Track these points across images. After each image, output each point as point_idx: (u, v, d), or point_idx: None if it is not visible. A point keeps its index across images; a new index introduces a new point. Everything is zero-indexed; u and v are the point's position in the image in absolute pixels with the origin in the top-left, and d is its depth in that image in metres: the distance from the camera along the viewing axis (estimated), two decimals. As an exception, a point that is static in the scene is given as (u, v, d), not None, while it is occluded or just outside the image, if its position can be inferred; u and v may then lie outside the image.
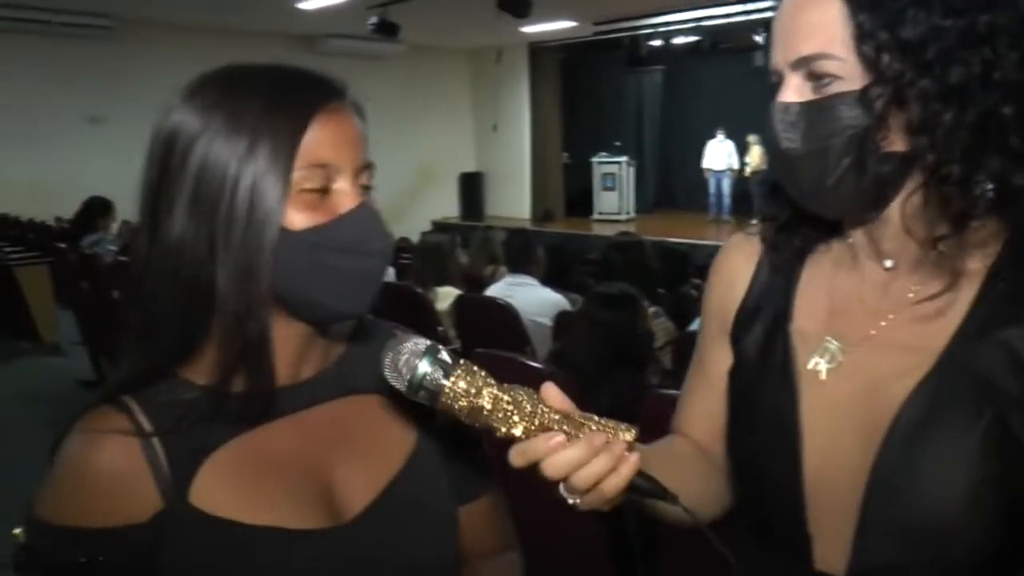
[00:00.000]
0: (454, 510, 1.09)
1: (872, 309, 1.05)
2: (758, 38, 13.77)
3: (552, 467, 0.86)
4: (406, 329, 1.14)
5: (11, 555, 0.90)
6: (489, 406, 0.86)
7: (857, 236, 1.06)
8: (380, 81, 15.55)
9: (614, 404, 2.94)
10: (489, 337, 3.98)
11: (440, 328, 4.65)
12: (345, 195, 0.93)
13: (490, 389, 0.87)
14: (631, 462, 0.88)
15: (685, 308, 5.18)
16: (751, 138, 15.46)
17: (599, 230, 14.95)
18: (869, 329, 1.04)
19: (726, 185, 15.86)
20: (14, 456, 4.92)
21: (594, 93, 18.52)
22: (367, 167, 0.96)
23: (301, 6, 12.56)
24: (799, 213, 1.08)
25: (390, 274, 6.11)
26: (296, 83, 0.94)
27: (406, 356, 0.88)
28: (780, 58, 0.99)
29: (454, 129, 18.25)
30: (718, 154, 15.89)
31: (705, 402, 1.21)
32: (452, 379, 0.87)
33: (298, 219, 0.90)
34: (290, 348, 0.98)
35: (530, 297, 4.59)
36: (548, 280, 5.01)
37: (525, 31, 14.69)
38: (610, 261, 4.61)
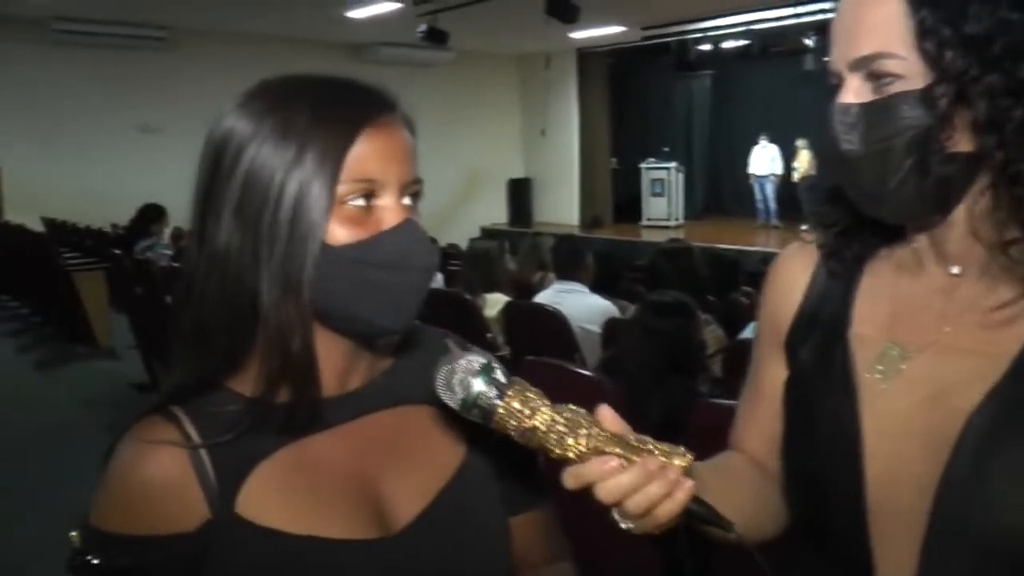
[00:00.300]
0: (505, 522, 1.07)
1: (936, 315, 1.01)
2: (808, 42, 13.64)
3: (606, 491, 0.85)
4: (456, 337, 1.13)
5: (67, 558, 0.91)
6: (543, 428, 0.85)
7: (920, 240, 1.03)
8: (429, 88, 15.66)
9: (664, 413, 2.91)
10: (538, 344, 3.97)
11: (489, 335, 4.64)
12: (389, 211, 0.92)
13: (544, 410, 0.86)
14: (686, 488, 0.86)
15: (735, 315, 5.13)
16: (800, 143, 15.34)
17: (648, 236, 14.89)
18: (933, 335, 1.01)
19: (770, 190, 15.77)
20: (71, 458, 5.02)
21: (642, 98, 18.46)
22: (414, 182, 0.95)
23: (351, 15, 12.66)
24: (859, 218, 1.05)
25: (438, 280, 6.12)
26: (346, 95, 0.93)
27: (460, 374, 0.87)
28: (839, 59, 0.97)
29: (502, 135, 18.31)
30: (761, 159, 15.82)
31: (761, 416, 1.18)
32: (506, 399, 0.85)
33: (341, 234, 0.90)
34: (336, 359, 0.97)
35: (579, 304, 4.57)
36: (597, 287, 4.98)
37: (573, 36, 14.69)
38: (659, 268, 4.57)
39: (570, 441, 0.85)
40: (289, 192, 0.88)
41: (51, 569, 0.94)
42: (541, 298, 4.79)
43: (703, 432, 2.33)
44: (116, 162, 13.65)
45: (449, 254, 9.04)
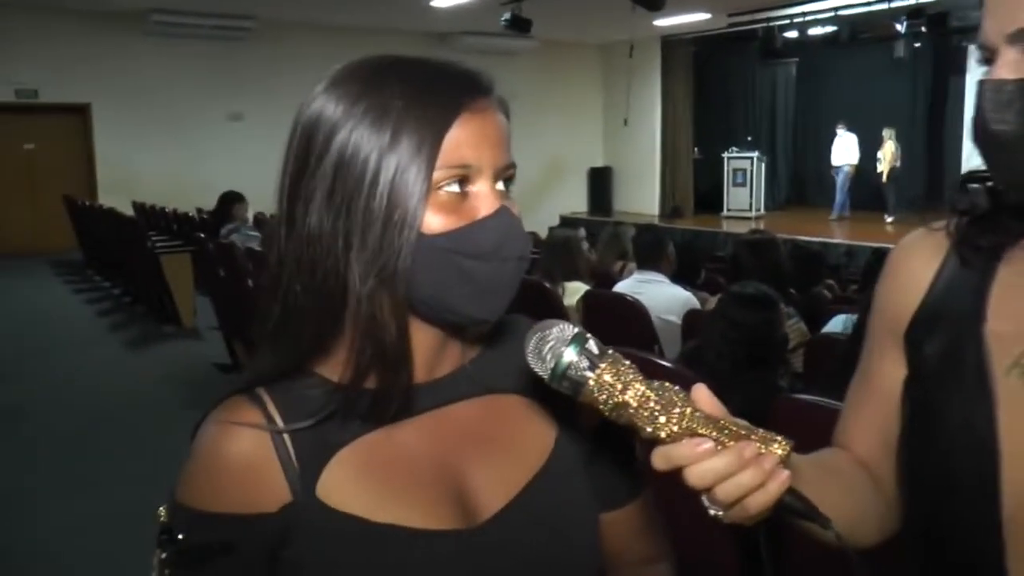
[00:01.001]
0: (595, 516, 1.04)
1: None
2: (899, 27, 13.28)
3: (696, 475, 0.80)
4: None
5: (155, 532, 0.92)
6: (635, 403, 0.81)
7: None
8: (511, 76, 15.46)
9: (744, 407, 2.86)
10: (617, 334, 3.94)
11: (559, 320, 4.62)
12: (484, 197, 0.90)
13: (637, 385, 0.81)
14: (781, 479, 0.81)
15: (817, 309, 5.03)
16: (885, 132, 14.99)
17: (728, 227, 14.73)
18: None
19: (841, 181, 15.62)
20: (156, 432, 5.17)
21: (726, 87, 18.25)
22: (508, 167, 0.93)
23: (435, 3, 12.73)
24: (998, 205, 0.96)
25: (519, 268, 6.12)
26: (442, 78, 0.91)
27: (552, 342, 0.83)
28: (993, 31, 0.88)
29: (584, 123, 18.25)
30: (838, 150, 15.58)
31: (872, 416, 1.10)
32: (598, 371, 0.81)
33: (434, 222, 0.87)
34: (425, 347, 0.96)
35: (659, 294, 4.53)
36: (676, 278, 4.93)
37: (658, 24, 14.55)
38: (741, 260, 4.50)
39: (662, 420, 0.80)
40: (384, 178, 0.86)
41: (130, 534, 0.96)
42: (621, 287, 4.76)
43: (783, 427, 2.29)
44: (203, 149, 14.01)
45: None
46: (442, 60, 0.93)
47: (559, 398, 0.95)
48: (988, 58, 0.90)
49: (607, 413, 0.83)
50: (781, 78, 18.39)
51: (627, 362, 0.83)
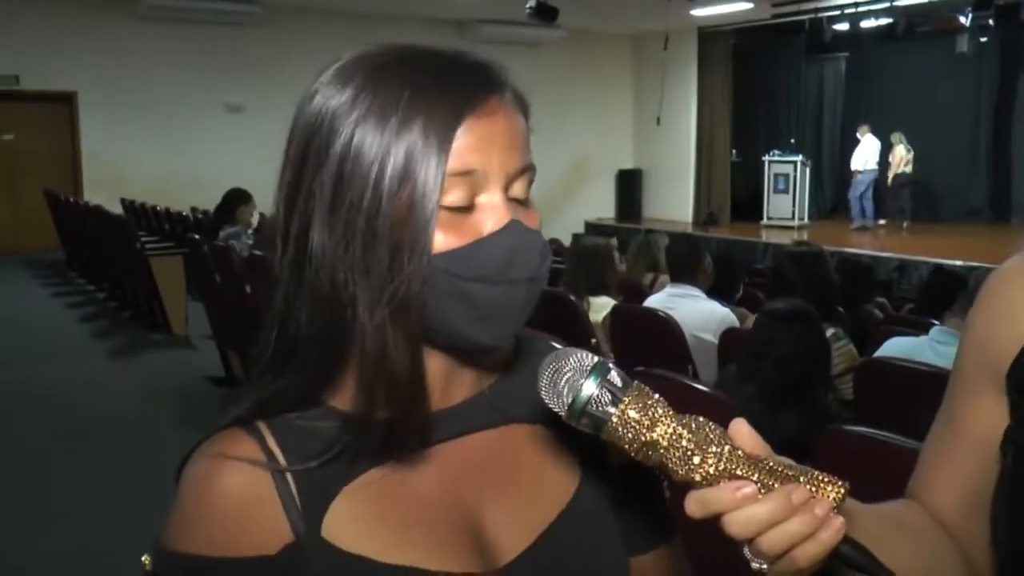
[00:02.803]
0: (625, 561, 1.02)
1: None
2: (963, 19, 13.21)
3: (737, 523, 0.75)
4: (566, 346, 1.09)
5: None
6: (665, 442, 0.77)
7: None
8: (536, 69, 15.68)
9: (787, 439, 2.84)
10: (647, 353, 3.93)
11: (593, 341, 4.61)
12: (492, 210, 0.87)
13: (667, 422, 0.78)
14: (835, 526, 0.76)
15: (867, 330, 5.00)
16: (894, 137, 15.17)
17: (769, 237, 14.68)
18: None
19: (861, 188, 15.89)
20: (143, 453, 5.16)
21: (768, 84, 18.21)
22: (523, 171, 0.90)
23: (453, -12, 12.76)
24: None
25: (539, 279, 6.10)
26: (448, 75, 0.88)
27: (569, 374, 0.80)
28: None
29: (613, 121, 18.25)
30: (860, 154, 15.84)
31: (958, 465, 1.03)
32: (622, 406, 0.78)
33: (437, 240, 0.85)
34: (438, 374, 0.93)
35: (694, 310, 4.51)
36: (713, 292, 4.90)
37: (695, 14, 14.56)
38: (785, 273, 4.47)
39: (696, 460, 0.77)
40: (387, 198, 0.84)
41: (113, 568, 0.95)
42: (652, 302, 4.74)
43: (832, 464, 2.27)
44: (199, 144, 14.05)
45: (551, 250, 9.04)
46: (449, 52, 0.91)
47: (582, 432, 0.94)
48: None
49: (634, 453, 0.79)
50: (829, 75, 18.34)
51: (656, 395, 0.80)
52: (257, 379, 0.92)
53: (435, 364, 0.92)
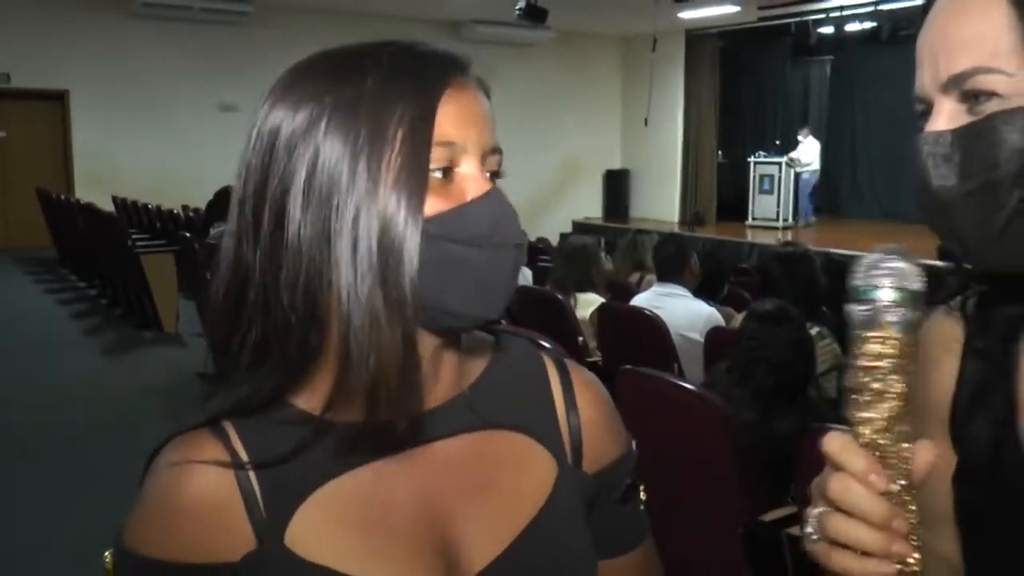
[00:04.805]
0: (594, 566, 1.00)
1: None
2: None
3: (843, 488, 0.75)
4: (551, 347, 1.08)
5: None
6: (888, 395, 0.75)
7: None
8: (526, 69, 15.71)
9: (771, 438, 2.84)
10: (633, 351, 3.92)
11: (580, 338, 4.60)
12: (472, 180, 0.86)
13: (903, 386, 0.76)
14: (884, 570, 0.75)
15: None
16: (801, 134, 15.88)
17: (754, 237, 14.70)
18: None
19: (807, 188, 16.28)
20: (133, 448, 5.09)
21: (754, 86, 18.23)
22: (494, 151, 0.89)
23: (444, -11, 12.74)
24: (995, 282, 0.94)
25: (527, 277, 6.11)
26: (419, 58, 0.87)
27: (904, 271, 0.76)
28: (928, 81, 0.87)
29: (601, 122, 18.25)
30: (802, 155, 16.09)
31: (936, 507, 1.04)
32: (904, 333, 0.75)
33: (426, 205, 0.84)
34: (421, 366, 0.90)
35: (680, 309, 4.50)
36: (699, 291, 4.91)
37: (683, 16, 14.56)
38: (772, 274, 4.47)
39: (883, 432, 0.76)
40: (372, 172, 0.82)
41: (100, 557, 0.93)
42: (639, 300, 4.73)
43: (815, 462, 2.26)
44: (192, 141, 13.99)
45: (539, 249, 9.03)
46: (411, 40, 0.90)
47: (561, 435, 0.91)
48: (924, 111, 0.88)
49: (853, 374, 0.77)
50: (814, 77, 18.38)
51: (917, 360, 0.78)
52: (228, 377, 0.90)
53: (422, 351, 0.88)
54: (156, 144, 13.94)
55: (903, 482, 0.76)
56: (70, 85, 13.66)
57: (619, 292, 5.50)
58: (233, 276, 0.88)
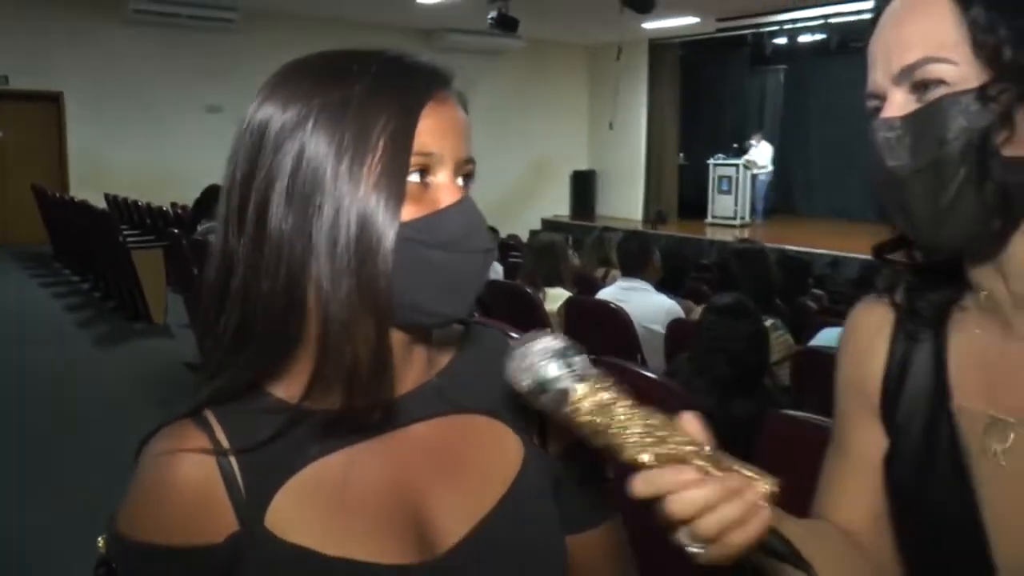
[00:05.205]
0: (562, 542, 1.00)
1: None
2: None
3: (678, 503, 0.76)
4: (518, 333, 1.07)
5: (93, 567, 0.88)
6: (617, 426, 0.78)
7: (991, 285, 0.93)
8: (498, 76, 15.69)
9: (730, 423, 2.85)
10: (599, 342, 3.92)
11: (548, 330, 4.59)
12: (446, 188, 0.87)
13: (623, 407, 0.79)
14: (763, 516, 0.77)
15: (803, 321, 5.04)
16: (754, 139, 16.18)
17: (713, 234, 14.76)
18: None
19: (762, 189, 16.54)
20: (125, 433, 5.08)
21: (713, 92, 18.28)
22: (468, 161, 0.90)
23: (420, 0, 12.70)
24: (932, 271, 0.97)
25: (498, 271, 6.10)
26: (406, 68, 0.88)
27: (536, 356, 0.80)
28: (881, 76, 0.89)
29: (569, 126, 18.26)
30: (757, 158, 16.26)
31: (853, 486, 1.06)
32: (581, 388, 0.79)
33: (403, 210, 0.84)
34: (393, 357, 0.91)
35: (643, 302, 4.51)
36: (661, 285, 4.91)
37: (646, 27, 14.58)
38: (730, 269, 4.49)
39: (645, 444, 0.77)
40: (354, 174, 0.83)
41: (91, 542, 0.92)
42: (604, 295, 4.74)
43: (774, 446, 2.28)
44: (180, 141, 13.89)
45: (510, 245, 9.04)
46: (400, 51, 0.90)
47: (528, 419, 0.92)
48: (877, 107, 0.90)
49: (587, 435, 0.80)
50: (770, 85, 18.45)
51: (612, 382, 0.80)
52: (211, 370, 0.89)
53: (393, 344, 0.89)
54: (146, 144, 13.82)
55: (704, 450, 0.78)
56: (65, 87, 13.49)
57: (586, 286, 5.50)
58: (220, 263, 0.88)
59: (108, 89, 13.58)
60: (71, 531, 3.82)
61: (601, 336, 4.18)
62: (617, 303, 4.36)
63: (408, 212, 0.84)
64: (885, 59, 0.89)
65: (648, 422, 0.78)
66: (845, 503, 1.08)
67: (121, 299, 9.05)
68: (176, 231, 7.14)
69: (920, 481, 0.97)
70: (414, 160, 0.84)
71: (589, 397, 0.79)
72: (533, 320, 4.54)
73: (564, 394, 0.79)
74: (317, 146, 0.83)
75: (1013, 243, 0.89)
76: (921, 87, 0.86)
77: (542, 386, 0.80)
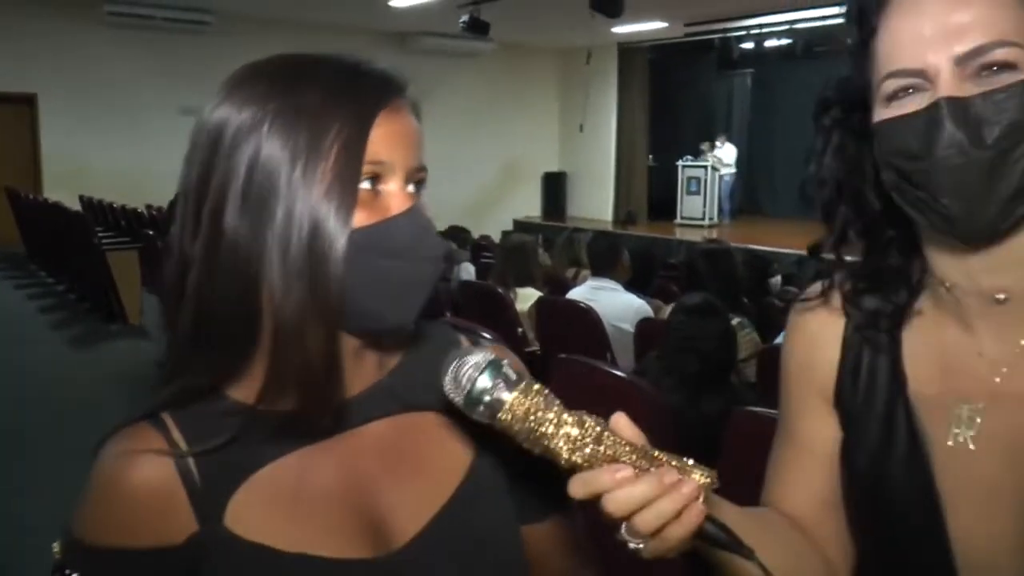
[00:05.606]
0: (517, 535, 1.01)
1: (989, 359, 0.93)
2: (851, 42, 13.45)
3: (614, 502, 0.77)
4: (470, 327, 1.07)
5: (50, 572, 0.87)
6: (551, 430, 0.79)
7: (958, 279, 0.93)
8: (469, 78, 15.67)
9: (698, 420, 2.86)
10: (568, 341, 3.93)
11: (520, 329, 4.60)
12: (396, 196, 0.87)
13: (555, 411, 0.80)
14: (697, 509, 0.78)
15: (769, 319, 5.06)
16: (719, 140, 16.35)
17: (682, 235, 14.81)
18: (992, 380, 0.92)
19: (727, 189, 16.72)
20: (99, 433, 5.03)
21: (681, 96, 18.34)
22: (420, 170, 0.90)
23: (393, 3, 12.66)
24: (883, 261, 0.99)
25: (470, 272, 6.10)
26: (361, 76, 0.88)
27: (469, 369, 0.81)
28: (939, 56, 0.85)
29: (540, 128, 18.25)
30: (722, 159, 16.41)
31: (805, 476, 1.07)
32: (513, 396, 0.80)
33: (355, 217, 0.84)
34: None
35: (612, 302, 4.52)
36: (630, 285, 4.92)
37: (616, 31, 14.60)
38: (697, 269, 4.51)
39: (579, 446, 0.79)
40: (308, 178, 0.82)
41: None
42: (574, 294, 4.75)
43: (739, 441, 2.29)
44: (155, 143, 13.70)
45: (482, 246, 9.03)
46: (355, 58, 0.90)
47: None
48: (905, 86, 0.88)
49: (523, 442, 0.81)
50: (737, 88, 18.56)
51: (546, 390, 0.81)
52: (169, 372, 0.89)
53: (344, 348, 0.89)
54: (121, 146, 13.66)
55: (638, 447, 0.80)
56: (39, 89, 13.30)
57: (556, 286, 5.51)
58: (177, 263, 0.88)
59: (83, 91, 13.42)
60: (45, 532, 3.78)
61: (572, 335, 4.18)
62: (587, 302, 4.37)
63: (359, 219, 0.84)
64: (941, 40, 0.85)
65: (582, 426, 0.79)
66: (792, 491, 1.08)
67: (96, 300, 8.97)
68: (151, 232, 7.10)
69: (879, 468, 0.97)
70: (366, 168, 0.84)
71: (521, 406, 0.80)
72: (504, 320, 4.54)
73: (497, 404, 0.80)
74: (272, 150, 0.83)
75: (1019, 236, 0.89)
76: (987, 69, 0.84)
77: (475, 398, 0.81)
